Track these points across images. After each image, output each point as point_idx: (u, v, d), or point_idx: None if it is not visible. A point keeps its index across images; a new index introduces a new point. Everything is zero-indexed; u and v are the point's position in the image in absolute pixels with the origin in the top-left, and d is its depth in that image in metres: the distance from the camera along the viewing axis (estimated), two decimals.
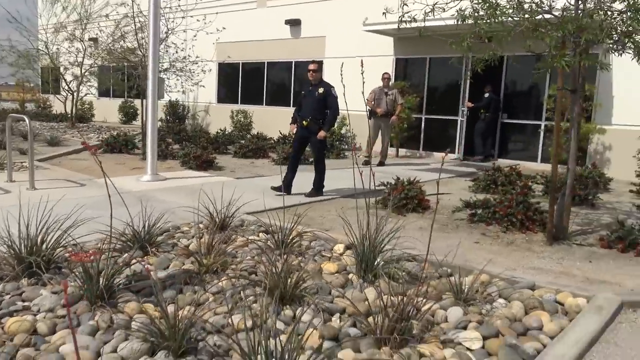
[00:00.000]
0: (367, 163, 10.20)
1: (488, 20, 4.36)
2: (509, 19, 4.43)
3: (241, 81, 16.75)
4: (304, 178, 6.96)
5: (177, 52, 12.58)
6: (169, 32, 11.72)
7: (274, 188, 6.65)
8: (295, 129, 6.81)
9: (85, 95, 17.34)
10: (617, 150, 10.17)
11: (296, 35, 15.33)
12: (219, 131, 13.25)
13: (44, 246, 3.48)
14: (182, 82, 13.29)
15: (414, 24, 5.15)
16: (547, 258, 4.39)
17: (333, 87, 6.64)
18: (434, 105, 12.66)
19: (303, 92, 6.89)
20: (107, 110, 20.54)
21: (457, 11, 4.66)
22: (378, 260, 3.59)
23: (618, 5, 4.41)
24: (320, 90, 6.55)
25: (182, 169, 8.77)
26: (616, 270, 4.11)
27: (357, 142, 13.36)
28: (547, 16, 4.54)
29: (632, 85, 9.87)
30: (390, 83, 11.14)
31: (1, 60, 16.50)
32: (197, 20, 13.51)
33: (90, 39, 16.02)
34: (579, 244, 4.82)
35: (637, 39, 4.09)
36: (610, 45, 4.38)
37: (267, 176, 8.30)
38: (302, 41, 15.21)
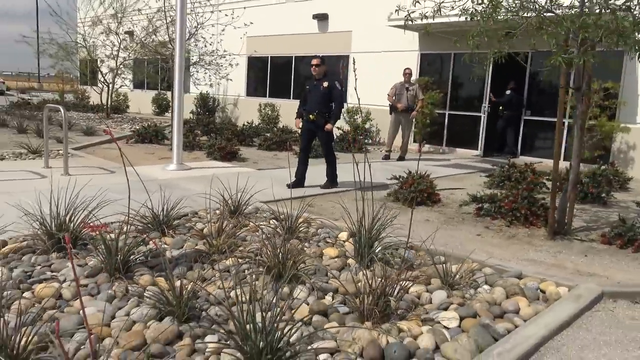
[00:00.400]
0: (387, 157, 10.39)
1: (487, 18, 4.52)
2: (511, 16, 4.59)
3: (269, 75, 17.09)
4: (319, 170, 7.24)
5: (205, 46, 12.98)
6: (199, 26, 12.12)
7: (289, 185, 6.75)
8: (301, 124, 6.95)
9: (120, 87, 18.01)
10: None
11: (323, 29, 15.56)
12: (246, 124, 13.64)
13: (72, 225, 3.86)
14: (209, 76, 13.69)
15: (424, 20, 5.36)
16: (544, 251, 4.56)
17: (337, 80, 6.84)
18: (458, 102, 12.74)
19: (307, 87, 7.00)
20: (141, 102, 21.22)
21: (461, 10, 4.84)
22: (375, 246, 3.85)
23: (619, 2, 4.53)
24: (325, 84, 6.72)
25: (207, 160, 9.16)
26: (609, 264, 4.26)
27: (381, 137, 13.56)
28: (551, 14, 4.68)
29: None
30: (412, 79, 11.30)
31: (43, 52, 17.30)
32: (225, 15, 13.88)
33: (126, 32, 16.62)
34: (580, 240, 4.96)
35: (633, 38, 4.19)
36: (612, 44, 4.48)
37: (287, 168, 8.60)
38: (329, 36, 15.43)
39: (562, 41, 4.57)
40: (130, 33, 16.62)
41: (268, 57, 17.00)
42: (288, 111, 16.20)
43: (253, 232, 4.46)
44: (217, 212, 5.07)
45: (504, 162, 8.24)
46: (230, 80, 15.40)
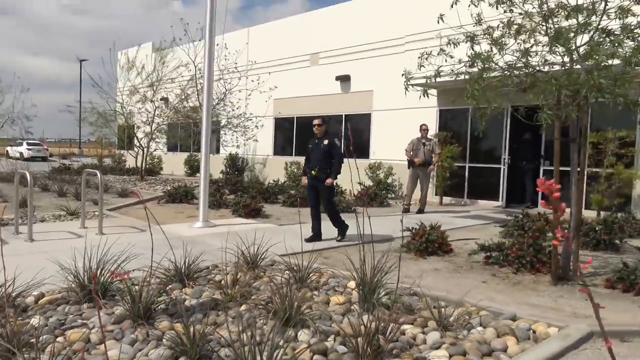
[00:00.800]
0: (406, 211, 10.66)
1: (477, 79, 4.92)
2: (499, 74, 4.99)
3: (295, 134, 17.80)
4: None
5: (233, 110, 13.77)
6: (227, 92, 12.94)
7: (307, 239, 7.07)
8: (306, 181, 7.34)
9: (155, 150, 18.99)
10: None
11: (346, 90, 16.29)
12: (272, 182, 14.18)
13: (102, 278, 4.28)
14: (237, 137, 14.41)
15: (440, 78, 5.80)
16: (546, 296, 4.73)
17: (337, 137, 7.31)
18: (477, 154, 13.03)
19: (310, 145, 7.45)
20: (174, 164, 22.20)
21: (451, 69, 5.27)
22: (378, 293, 4.12)
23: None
24: (325, 142, 7.18)
25: (232, 217, 9.62)
26: (608, 307, 4.39)
27: (403, 191, 13.86)
28: (541, 73, 5.05)
29: None
30: (430, 134, 11.71)
31: (84, 119, 18.55)
32: (252, 80, 14.75)
33: (161, 99, 17.76)
34: (583, 285, 5.09)
35: (611, 92, 4.49)
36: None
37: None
38: (351, 95, 16.13)
39: (551, 97, 4.91)
40: (165, 99, 17.74)
41: (294, 117, 17.77)
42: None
43: (267, 282, 4.79)
44: (238, 264, 5.42)
45: (520, 212, 8.41)
46: (257, 141, 16.12)
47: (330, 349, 3.31)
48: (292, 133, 17.89)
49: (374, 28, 15.20)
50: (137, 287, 4.03)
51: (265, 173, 18.47)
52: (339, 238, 7.23)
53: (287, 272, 5.21)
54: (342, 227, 7.30)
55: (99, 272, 4.28)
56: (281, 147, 18.31)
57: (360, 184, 12.98)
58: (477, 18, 5.38)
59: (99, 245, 5.14)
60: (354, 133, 15.90)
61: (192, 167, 20.54)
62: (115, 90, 20.03)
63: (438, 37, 6.35)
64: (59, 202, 10.64)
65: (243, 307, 4.03)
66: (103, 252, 4.52)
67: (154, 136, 17.55)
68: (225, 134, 13.91)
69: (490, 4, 5.28)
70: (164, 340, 3.36)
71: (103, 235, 7.16)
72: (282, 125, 18.20)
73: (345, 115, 16.32)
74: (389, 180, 14.32)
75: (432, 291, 4.60)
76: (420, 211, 10.80)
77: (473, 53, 5.05)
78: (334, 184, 7.29)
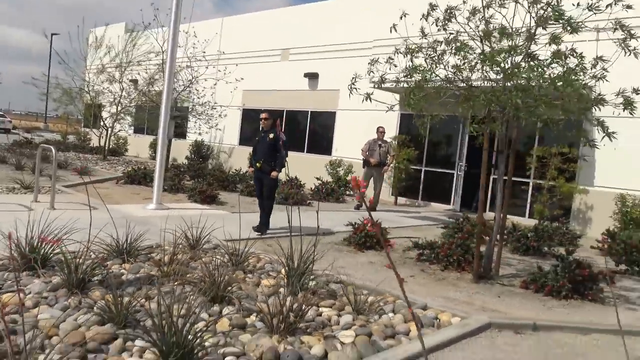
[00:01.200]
0: (358, 208, 11.02)
1: (413, 89, 5.29)
2: (432, 85, 5.36)
3: (261, 126, 17.97)
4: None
5: (198, 98, 13.89)
6: (193, 79, 13.06)
7: (254, 228, 7.18)
8: (253, 171, 7.55)
9: (119, 131, 18.91)
10: (598, 210, 10.70)
11: (313, 87, 16.56)
12: (235, 171, 14.36)
13: (43, 250, 4.47)
14: (199, 125, 14.54)
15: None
16: (464, 292, 5.12)
17: (282, 132, 7.53)
18: (433, 159, 13.50)
19: (257, 138, 7.68)
20: (140, 146, 22.10)
21: (396, 77, 5.62)
22: (304, 279, 4.42)
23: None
24: (271, 135, 7.41)
25: (188, 202, 9.80)
26: (516, 304, 4.81)
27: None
28: (474, 87, 5.43)
29: (612, 148, 10.51)
30: (387, 137, 12.11)
31: (49, 95, 18.36)
32: (219, 71, 14.89)
33: (130, 80, 17.70)
34: (501, 284, 5.52)
35: (528, 111, 4.89)
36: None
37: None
38: (318, 93, 16.41)
39: (482, 111, 5.29)
40: (135, 81, 17.70)
41: (261, 109, 17.94)
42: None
43: (205, 263, 5.04)
44: (180, 246, 5.65)
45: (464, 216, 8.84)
46: (219, 129, 16.26)
47: (249, 325, 3.60)
48: (258, 124, 17.97)
49: (345, 30, 15.51)
50: (77, 260, 4.24)
51: (230, 162, 18.60)
52: (257, 230, 7.19)
53: (226, 255, 5.48)
54: (265, 224, 7.32)
55: (41, 243, 4.46)
56: (247, 138, 18.45)
57: (318, 179, 13.29)
58: (421, 33, 5.72)
59: (47, 219, 5.31)
60: (318, 130, 16.23)
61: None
62: (83, 68, 19.85)
63: (400, 44, 6.66)
64: (15, 176, 10.62)
65: (176, 284, 4.27)
66: (49, 225, 4.70)
67: (119, 117, 17.49)
68: (190, 120, 14.05)
69: (436, 24, 5.64)
70: (94, 308, 3.58)
71: (54, 210, 7.27)
72: (249, 117, 18.35)
73: (311, 112, 16.60)
74: (348, 178, 14.67)
75: (359, 281, 4.94)
76: (372, 209, 11.17)
77: (411, 65, 5.40)
78: (278, 177, 7.45)
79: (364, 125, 14.42)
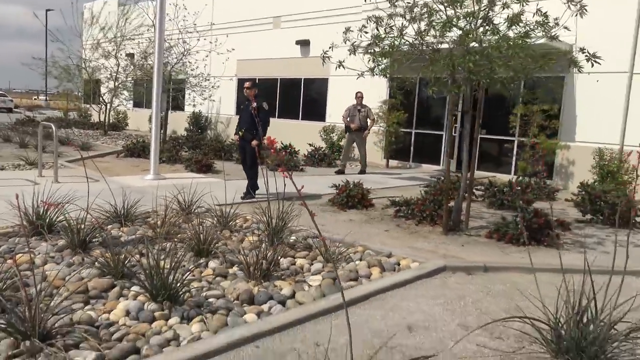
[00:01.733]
0: (341, 172, 11.41)
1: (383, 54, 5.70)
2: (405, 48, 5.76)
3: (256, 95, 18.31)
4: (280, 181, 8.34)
5: (192, 70, 14.23)
6: (185, 52, 13.38)
7: (242, 196, 7.58)
8: (239, 140, 7.88)
9: (118, 105, 19.31)
10: (578, 164, 11.13)
11: (305, 54, 16.82)
12: (232, 140, 14.81)
13: (48, 218, 4.99)
14: (194, 97, 14.93)
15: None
16: (432, 242, 5.63)
17: (265, 102, 7.81)
18: (423, 121, 13.87)
19: (242, 107, 7.89)
20: (140, 120, 22.51)
21: (366, 47, 6.02)
22: (282, 235, 4.94)
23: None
24: (254, 104, 7.67)
25: (185, 172, 10.30)
26: (477, 251, 5.31)
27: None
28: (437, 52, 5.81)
29: (592, 105, 10.87)
30: (380, 100, 12.47)
31: (48, 73, 18.71)
32: (210, 42, 15.17)
33: (127, 55, 17.99)
34: (468, 235, 6.03)
35: (479, 74, 5.29)
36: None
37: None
38: (310, 60, 16.67)
39: (445, 73, 5.69)
40: (131, 55, 17.99)
41: (256, 79, 18.25)
42: (272, 129, 17.36)
43: (195, 225, 5.56)
44: (174, 211, 6.17)
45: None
46: (214, 100, 16.63)
47: (230, 274, 4.13)
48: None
49: None
50: (79, 225, 4.75)
51: (228, 132, 19.02)
52: (243, 196, 7.58)
53: (215, 218, 6.00)
54: (251, 190, 7.64)
55: (46, 210, 4.98)
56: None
57: (310, 145, 13.74)
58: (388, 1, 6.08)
59: (50, 190, 5.83)
60: (312, 97, 16.58)
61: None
62: (79, 44, 20.11)
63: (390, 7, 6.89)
64: (19, 153, 11.12)
65: (169, 243, 4.80)
66: (52, 195, 5.21)
67: (117, 92, 17.87)
68: (186, 93, 14.45)
69: None
70: (95, 264, 4.11)
71: (57, 183, 7.79)
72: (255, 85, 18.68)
73: (305, 79, 16.91)
74: (342, 143, 15.09)
75: (336, 236, 5.45)
76: (362, 172, 11.64)
77: (376, 33, 5.79)
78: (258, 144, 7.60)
79: (355, 90, 14.76)
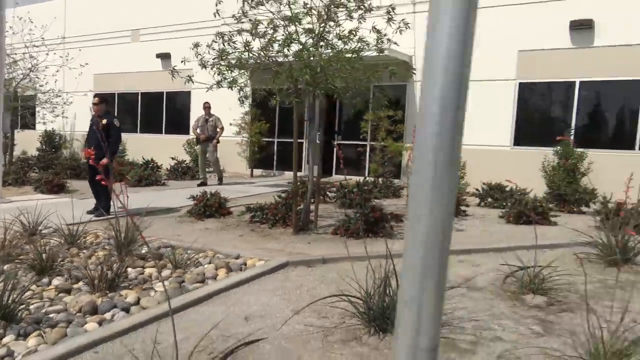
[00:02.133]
0: (203, 184, 11.48)
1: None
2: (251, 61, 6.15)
3: (117, 110, 17.73)
4: (154, 196, 8.27)
5: (42, 86, 13.47)
6: (33, 67, 12.63)
7: (88, 211, 7.37)
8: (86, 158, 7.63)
9: None
10: None
11: (167, 67, 16.55)
12: (86, 158, 14.18)
13: None
14: (43, 114, 14.12)
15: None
16: (282, 243, 6.03)
17: (115, 118, 7.71)
18: (284, 130, 14.44)
19: (91, 122, 7.62)
20: None
21: (214, 61, 6.33)
22: (132, 247, 5.02)
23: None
24: (104, 121, 7.47)
25: (34, 193, 9.76)
26: (322, 247, 5.81)
27: (221, 165, 14.83)
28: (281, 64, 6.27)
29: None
30: (239, 112, 12.76)
31: None
32: (60, 57, 14.47)
33: None
34: (316, 233, 6.53)
35: (320, 86, 5.87)
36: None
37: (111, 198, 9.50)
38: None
39: (287, 85, 6.16)
40: None
41: (115, 93, 17.67)
42: (134, 144, 16.94)
43: (40, 246, 5.42)
44: (18, 233, 5.93)
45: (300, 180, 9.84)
46: (66, 117, 15.86)
47: (75, 289, 4.15)
48: (113, 109, 17.78)
49: (191, 9, 15.74)
50: None
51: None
52: (95, 213, 7.32)
53: (62, 237, 5.88)
54: (105, 207, 7.32)
55: None
56: None
57: (173, 158, 13.66)
58: (238, 16, 6.43)
59: None
60: (175, 110, 16.44)
61: (4, 144, 19.31)
62: None
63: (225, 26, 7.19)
64: None
65: (10, 266, 4.66)
66: None
67: None
68: (37, 111, 13.56)
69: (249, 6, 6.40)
70: None
71: None
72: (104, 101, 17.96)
73: (167, 92, 16.73)
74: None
75: (189, 244, 5.62)
76: (220, 180, 11.83)
77: (222, 48, 6.13)
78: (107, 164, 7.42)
79: (218, 102, 14.93)
